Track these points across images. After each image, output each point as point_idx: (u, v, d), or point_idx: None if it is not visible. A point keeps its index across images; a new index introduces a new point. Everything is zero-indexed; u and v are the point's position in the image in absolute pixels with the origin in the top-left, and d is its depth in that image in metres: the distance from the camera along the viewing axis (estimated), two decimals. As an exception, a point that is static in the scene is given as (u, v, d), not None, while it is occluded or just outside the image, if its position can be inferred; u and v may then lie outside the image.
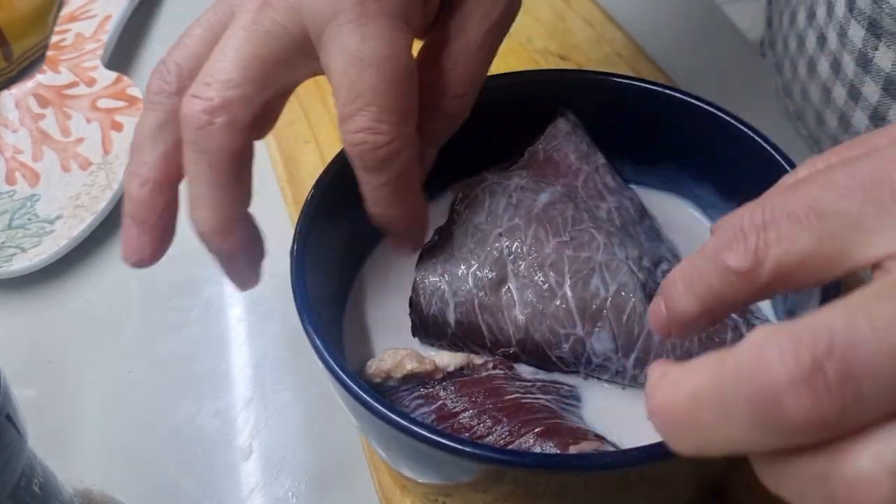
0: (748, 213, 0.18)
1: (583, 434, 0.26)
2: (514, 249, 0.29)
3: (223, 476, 0.35)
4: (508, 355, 0.29)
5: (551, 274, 0.29)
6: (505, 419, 0.27)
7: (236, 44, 0.25)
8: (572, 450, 0.25)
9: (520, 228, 0.29)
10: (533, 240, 0.29)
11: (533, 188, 0.31)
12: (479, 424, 0.27)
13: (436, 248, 0.30)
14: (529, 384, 0.28)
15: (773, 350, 0.15)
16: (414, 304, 0.30)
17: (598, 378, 0.29)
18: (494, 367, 0.29)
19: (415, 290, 0.30)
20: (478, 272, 0.29)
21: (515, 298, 0.29)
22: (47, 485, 0.27)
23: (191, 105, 0.25)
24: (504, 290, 0.29)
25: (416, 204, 0.28)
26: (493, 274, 0.29)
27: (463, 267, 0.29)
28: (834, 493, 0.14)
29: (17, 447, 0.25)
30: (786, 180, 0.21)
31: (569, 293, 0.28)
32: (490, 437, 0.26)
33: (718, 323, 0.22)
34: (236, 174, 0.26)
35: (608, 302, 0.28)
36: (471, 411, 0.27)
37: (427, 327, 0.30)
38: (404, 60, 0.25)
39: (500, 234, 0.30)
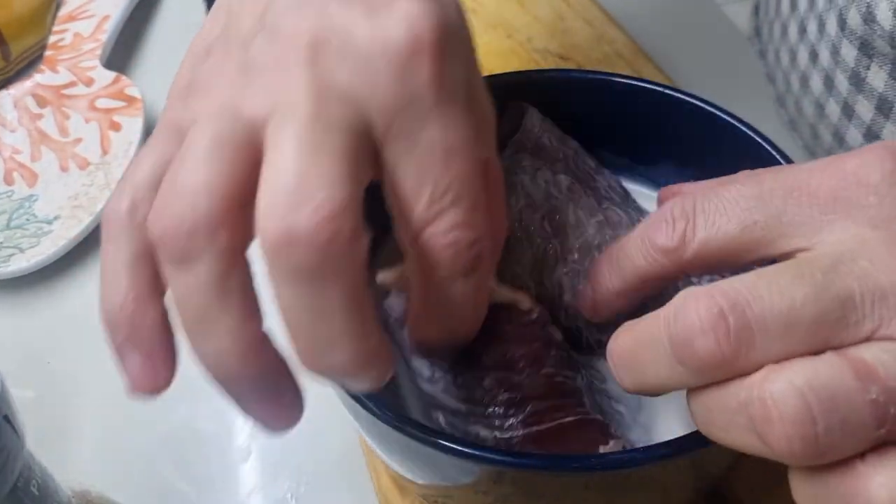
0: (679, 203, 0.22)
1: (610, 433, 0.25)
2: (560, 234, 0.29)
3: (222, 477, 0.34)
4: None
5: (586, 256, 0.28)
6: (534, 398, 0.25)
7: (300, 141, 0.19)
8: (601, 449, 0.24)
9: (559, 210, 0.29)
10: (575, 221, 0.29)
11: (551, 170, 0.30)
12: (500, 394, 0.25)
13: None
14: (565, 355, 0.27)
15: (691, 302, 0.18)
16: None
17: None
18: (537, 321, 0.27)
19: None
20: (528, 264, 0.28)
21: (565, 285, 0.28)
22: (45, 486, 0.27)
23: (289, 224, 0.18)
24: (555, 276, 0.28)
25: (486, 293, 0.25)
26: (544, 262, 0.28)
27: (514, 264, 0.28)
28: (752, 418, 0.18)
29: (15, 448, 0.25)
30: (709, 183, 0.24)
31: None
32: (510, 415, 0.25)
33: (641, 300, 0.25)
34: (366, 295, 0.20)
35: None
36: (497, 374, 0.25)
37: None
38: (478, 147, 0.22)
39: (543, 218, 0.29)
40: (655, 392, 0.21)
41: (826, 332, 0.18)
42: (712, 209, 0.21)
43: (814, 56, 0.39)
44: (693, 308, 0.18)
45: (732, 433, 0.19)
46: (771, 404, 0.17)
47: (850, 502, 0.17)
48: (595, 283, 0.25)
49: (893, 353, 0.17)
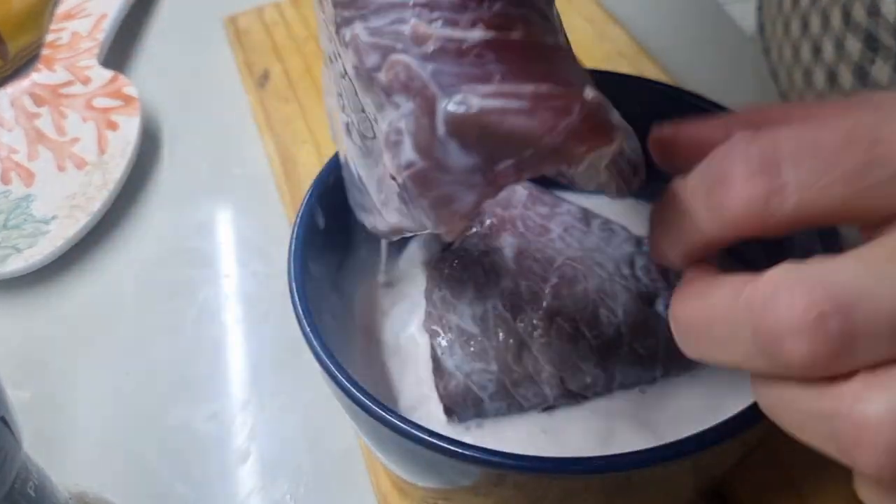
0: (754, 146, 0.17)
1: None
2: (517, 313, 0.28)
3: (220, 479, 0.34)
4: (547, 407, 0.28)
5: (563, 323, 0.28)
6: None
7: None
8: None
9: (511, 290, 0.28)
10: (529, 295, 0.28)
11: (495, 247, 0.30)
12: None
13: (444, 348, 0.29)
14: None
15: (785, 294, 0.16)
16: (450, 413, 0.28)
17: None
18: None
19: (446, 409, 0.28)
20: (497, 356, 0.28)
21: (541, 361, 0.27)
22: (42, 488, 0.27)
23: None
24: (526, 356, 0.28)
25: None
26: (511, 348, 0.28)
27: (481, 362, 0.28)
28: (838, 432, 0.15)
29: (12, 450, 0.25)
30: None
31: (588, 334, 0.27)
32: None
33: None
34: None
35: (623, 326, 0.28)
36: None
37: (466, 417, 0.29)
38: None
39: (498, 305, 0.28)
40: (722, 367, 0.18)
41: None
42: (808, 162, 0.16)
43: (816, 51, 0.39)
44: (787, 302, 0.16)
45: (808, 435, 0.17)
46: (864, 428, 0.15)
47: None
48: (654, 245, 0.21)
49: None
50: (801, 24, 0.41)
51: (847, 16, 0.35)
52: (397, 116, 0.19)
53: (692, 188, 0.18)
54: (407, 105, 0.18)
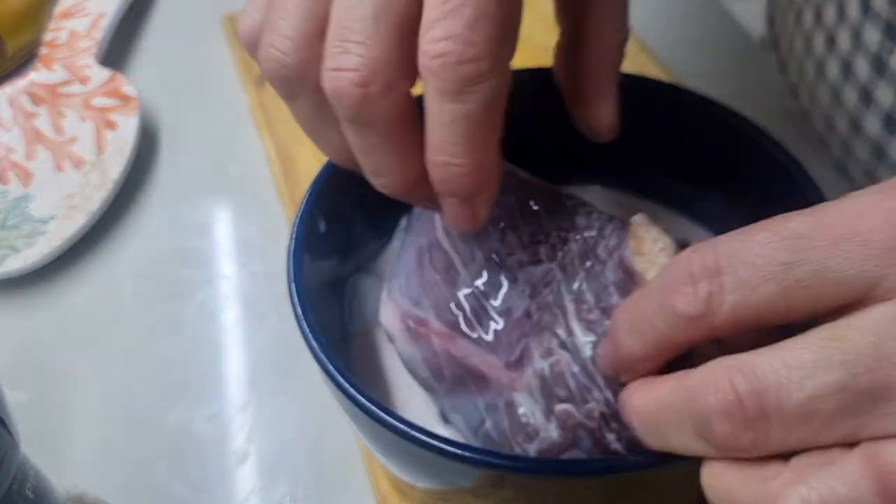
0: (698, 258, 0.19)
1: None
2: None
3: (218, 481, 0.34)
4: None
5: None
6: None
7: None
8: None
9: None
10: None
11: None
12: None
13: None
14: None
15: (712, 380, 0.18)
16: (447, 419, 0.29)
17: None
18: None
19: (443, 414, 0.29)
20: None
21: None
22: (40, 489, 0.27)
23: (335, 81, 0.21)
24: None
25: (490, 156, 0.23)
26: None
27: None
28: None
29: (10, 451, 0.25)
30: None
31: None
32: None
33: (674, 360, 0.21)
34: (408, 135, 0.23)
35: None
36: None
37: None
38: None
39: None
40: (682, 455, 0.20)
41: (853, 421, 0.16)
42: (741, 265, 0.18)
43: (830, 42, 0.38)
44: (712, 388, 0.18)
45: None
46: None
47: None
48: (615, 345, 0.22)
49: None
50: (815, 14, 0.40)
51: (866, 5, 0.35)
52: None
53: (649, 292, 0.20)
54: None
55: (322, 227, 0.30)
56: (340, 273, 0.32)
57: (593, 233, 0.26)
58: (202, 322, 0.40)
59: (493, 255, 0.27)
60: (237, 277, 0.42)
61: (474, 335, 0.26)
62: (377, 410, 0.23)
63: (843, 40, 0.37)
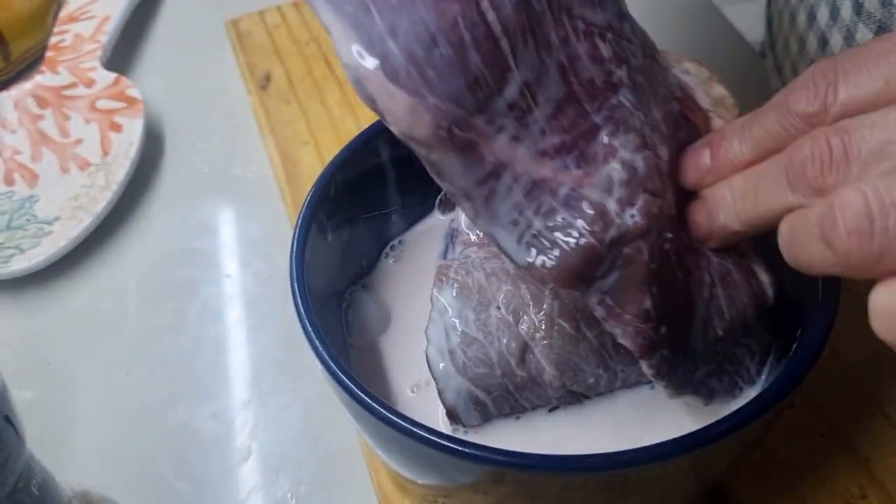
0: (820, 67, 0.21)
1: None
2: (519, 316, 0.28)
3: (221, 478, 0.34)
4: (551, 409, 0.29)
5: (564, 323, 0.27)
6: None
7: None
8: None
9: (512, 293, 0.28)
10: (531, 297, 0.28)
11: (496, 252, 0.29)
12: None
13: (447, 353, 0.28)
14: None
15: (809, 139, 0.21)
16: (453, 418, 0.29)
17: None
18: None
19: (449, 414, 0.28)
20: (500, 360, 0.28)
21: (543, 363, 0.28)
22: (45, 486, 0.27)
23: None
24: (529, 358, 0.28)
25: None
26: (514, 352, 0.28)
27: (484, 367, 0.28)
28: (822, 223, 0.19)
29: (16, 449, 0.25)
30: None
31: (588, 333, 0.27)
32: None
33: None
34: None
35: None
36: None
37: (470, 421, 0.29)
38: None
39: (501, 309, 0.28)
40: (767, 217, 0.22)
41: None
42: (854, 68, 0.21)
43: (823, 43, 0.39)
44: (808, 142, 0.20)
45: (809, 248, 0.20)
46: (837, 208, 0.19)
47: None
48: (725, 141, 0.24)
49: None
50: (808, 15, 0.41)
51: (859, 6, 0.35)
52: None
53: (768, 105, 0.23)
54: None
55: (324, 227, 0.30)
56: (342, 272, 0.33)
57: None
58: (205, 321, 0.40)
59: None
60: (240, 277, 0.42)
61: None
62: (379, 408, 0.23)
63: (836, 41, 0.38)
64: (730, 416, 0.22)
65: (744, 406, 0.23)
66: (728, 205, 0.24)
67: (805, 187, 0.20)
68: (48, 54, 0.53)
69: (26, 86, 0.51)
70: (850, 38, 0.37)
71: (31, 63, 0.55)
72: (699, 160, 0.25)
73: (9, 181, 0.47)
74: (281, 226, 0.44)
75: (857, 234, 0.19)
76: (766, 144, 0.23)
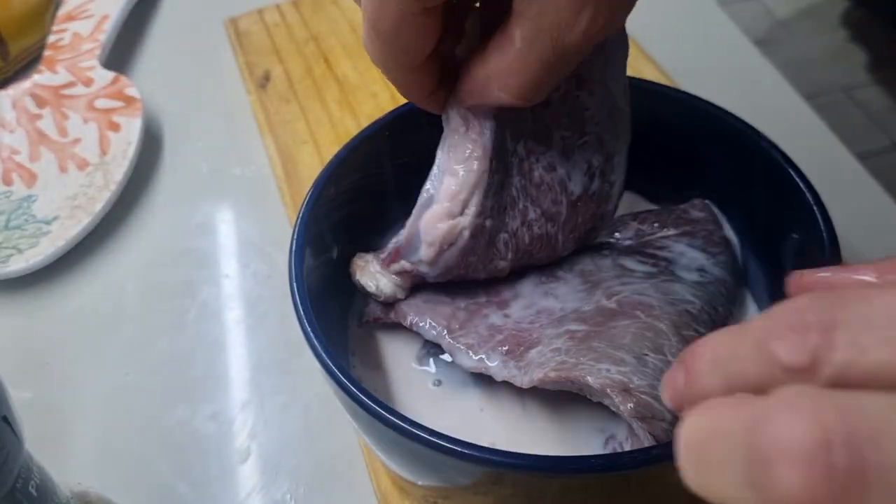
0: (814, 307, 0.16)
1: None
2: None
3: (220, 478, 0.34)
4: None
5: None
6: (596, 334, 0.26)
7: None
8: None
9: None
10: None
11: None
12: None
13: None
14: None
15: (790, 411, 0.14)
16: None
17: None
18: None
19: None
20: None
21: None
22: (44, 487, 0.27)
23: None
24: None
25: None
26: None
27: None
28: None
29: (14, 449, 0.25)
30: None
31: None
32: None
33: None
34: None
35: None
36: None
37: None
38: None
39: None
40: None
41: None
42: (857, 323, 0.15)
43: None
44: (789, 421, 0.14)
45: None
46: None
47: None
48: (690, 375, 0.19)
49: None
50: None
51: None
52: None
53: (746, 330, 0.17)
54: None
55: (324, 226, 0.30)
56: (341, 272, 0.33)
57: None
58: (204, 321, 0.40)
59: None
60: (239, 277, 0.42)
61: None
62: (378, 409, 0.23)
63: None
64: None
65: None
66: (679, 454, 0.17)
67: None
68: (46, 53, 0.53)
69: (24, 85, 0.51)
70: None
71: (30, 62, 0.55)
72: (675, 384, 0.19)
73: (7, 181, 0.47)
74: (280, 226, 0.44)
75: None
76: (740, 386, 0.17)
